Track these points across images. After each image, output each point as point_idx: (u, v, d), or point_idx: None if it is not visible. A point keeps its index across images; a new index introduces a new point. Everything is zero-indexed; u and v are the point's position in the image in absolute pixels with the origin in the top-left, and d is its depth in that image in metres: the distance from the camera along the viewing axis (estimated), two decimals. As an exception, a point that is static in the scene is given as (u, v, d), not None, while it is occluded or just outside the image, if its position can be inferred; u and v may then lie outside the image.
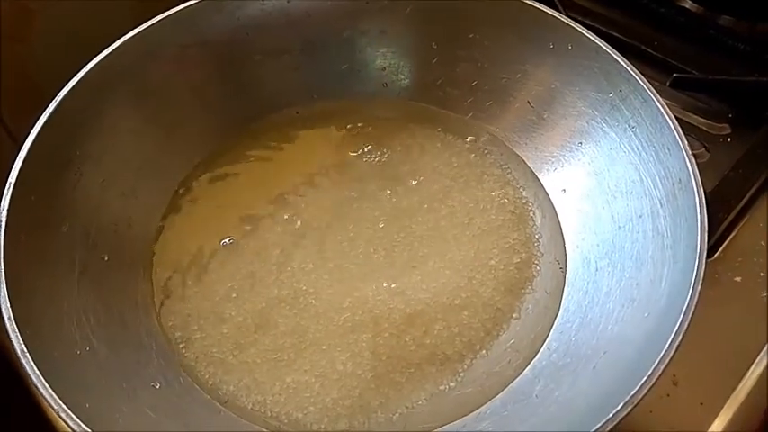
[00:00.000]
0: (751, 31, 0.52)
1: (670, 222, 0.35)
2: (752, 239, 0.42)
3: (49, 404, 0.29)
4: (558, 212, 0.41)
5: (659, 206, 0.35)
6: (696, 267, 0.31)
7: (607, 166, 0.39)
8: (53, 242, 0.36)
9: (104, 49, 0.40)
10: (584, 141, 0.41)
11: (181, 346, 0.37)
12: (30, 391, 0.30)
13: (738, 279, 0.41)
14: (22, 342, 0.30)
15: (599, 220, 0.39)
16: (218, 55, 0.44)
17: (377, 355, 0.37)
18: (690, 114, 0.48)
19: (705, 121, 0.48)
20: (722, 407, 0.37)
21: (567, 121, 0.42)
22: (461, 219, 0.42)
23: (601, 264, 0.38)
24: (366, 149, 0.45)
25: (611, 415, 0.28)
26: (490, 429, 0.34)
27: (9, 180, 0.35)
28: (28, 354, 0.30)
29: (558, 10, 0.41)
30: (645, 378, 0.28)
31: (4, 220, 0.33)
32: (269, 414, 0.35)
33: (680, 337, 0.29)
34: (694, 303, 0.30)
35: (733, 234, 0.43)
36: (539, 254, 0.40)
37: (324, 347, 0.37)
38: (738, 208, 0.43)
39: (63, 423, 0.29)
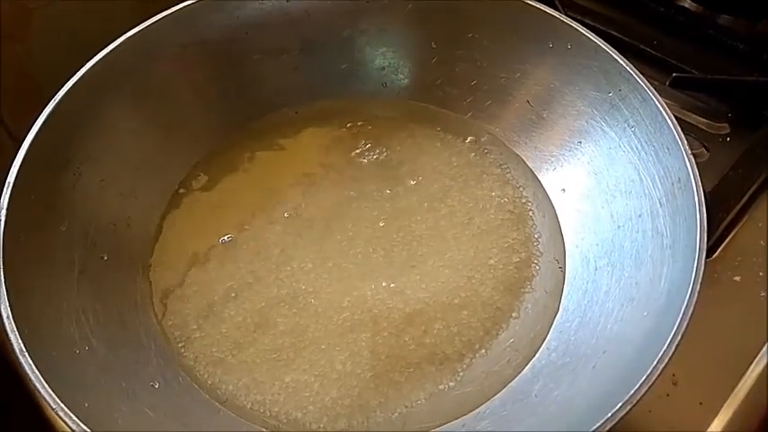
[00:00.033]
0: (750, 31, 0.52)
1: (669, 222, 0.35)
2: (751, 239, 0.42)
3: (48, 404, 0.29)
4: (557, 212, 0.41)
5: (659, 205, 0.35)
6: (695, 267, 0.31)
7: (606, 166, 0.39)
8: (52, 242, 0.36)
9: (104, 48, 0.40)
10: (583, 141, 0.41)
11: (180, 345, 0.37)
12: (29, 390, 0.30)
13: (738, 278, 0.41)
14: (20, 341, 0.30)
15: (598, 220, 0.39)
16: (218, 54, 0.44)
17: (376, 354, 0.37)
18: (689, 114, 0.48)
19: (704, 120, 0.48)
20: (722, 406, 0.37)
21: (566, 121, 0.42)
22: (461, 218, 0.42)
23: (600, 263, 0.38)
24: (365, 149, 0.45)
25: (610, 414, 0.28)
26: (489, 429, 0.34)
27: (8, 179, 0.35)
28: (27, 353, 0.30)
29: (557, 9, 0.41)
30: (644, 378, 0.28)
31: (3, 219, 0.34)
32: (268, 413, 0.35)
33: (679, 337, 0.29)
34: (693, 303, 0.30)
35: (732, 233, 0.43)
36: (538, 253, 0.40)
37: (323, 347, 0.37)
38: (738, 207, 0.43)
39: (62, 423, 0.29)
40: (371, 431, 0.35)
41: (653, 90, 0.37)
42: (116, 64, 0.40)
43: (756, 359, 0.38)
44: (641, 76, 0.37)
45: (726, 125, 0.48)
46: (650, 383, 0.28)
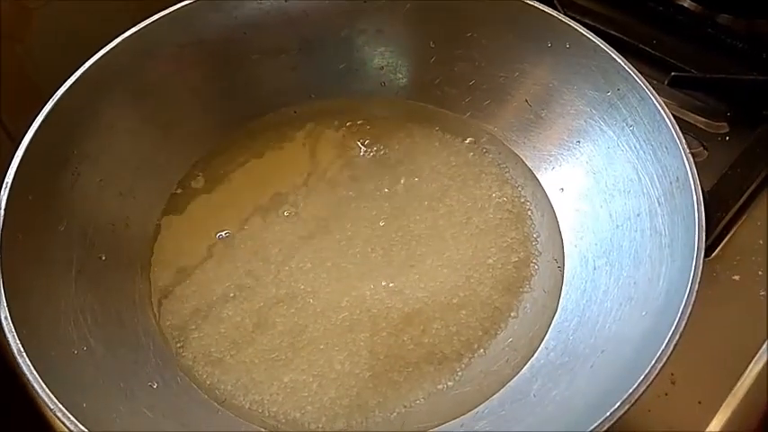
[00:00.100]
0: (749, 30, 0.52)
1: (668, 221, 0.35)
2: (750, 238, 0.42)
3: (46, 404, 0.29)
4: (556, 211, 0.41)
5: (657, 205, 0.35)
6: (694, 266, 0.31)
7: (605, 165, 0.39)
8: (50, 242, 0.36)
9: (102, 48, 0.40)
10: (582, 140, 0.41)
11: (178, 345, 0.37)
12: (29, 390, 0.30)
13: (737, 278, 0.41)
14: (18, 342, 0.30)
15: (597, 219, 0.39)
16: (216, 54, 0.44)
17: (375, 354, 0.37)
18: (688, 113, 0.48)
19: (703, 119, 0.48)
20: (720, 406, 0.37)
21: (564, 120, 0.42)
22: (459, 218, 0.42)
23: (599, 262, 0.38)
24: (364, 148, 0.45)
25: (608, 414, 0.28)
26: (488, 429, 0.34)
27: (6, 179, 0.35)
28: (24, 354, 0.30)
29: (556, 9, 0.41)
30: (642, 377, 0.28)
31: (1, 219, 0.33)
32: (267, 413, 0.35)
33: (677, 336, 0.29)
34: (692, 302, 0.30)
35: (731, 233, 0.43)
36: (537, 253, 0.40)
37: (322, 347, 0.37)
38: (737, 207, 0.43)
39: (60, 423, 0.29)
40: (370, 431, 0.35)
41: (651, 89, 0.37)
42: (114, 64, 0.40)
43: (755, 358, 0.38)
44: (640, 75, 0.37)
45: (725, 124, 0.48)
46: (648, 383, 0.28)
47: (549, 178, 0.42)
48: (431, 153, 0.44)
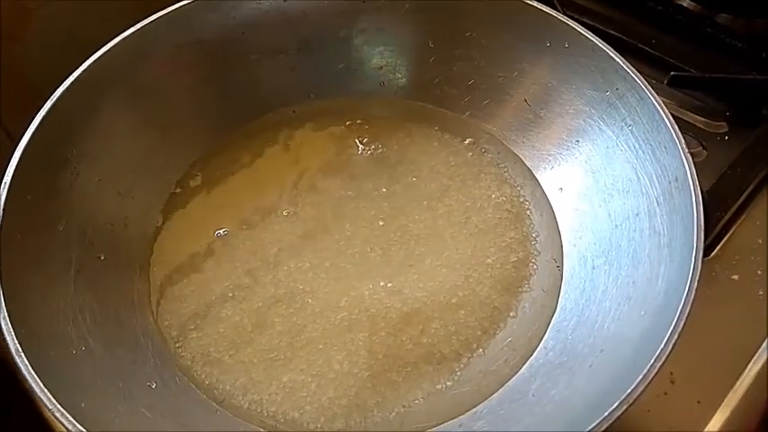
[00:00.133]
0: (748, 29, 0.52)
1: (667, 221, 0.35)
2: (749, 237, 0.42)
3: (44, 404, 0.29)
4: (554, 211, 0.41)
5: (656, 204, 0.35)
6: (693, 266, 0.31)
7: (604, 165, 0.39)
8: (49, 241, 0.36)
9: (100, 48, 0.40)
10: (581, 139, 0.41)
11: (177, 345, 0.37)
12: (28, 390, 0.30)
13: (736, 277, 0.41)
14: (16, 342, 0.30)
15: (596, 219, 0.39)
16: (214, 54, 0.44)
17: (373, 354, 0.36)
18: (687, 112, 0.48)
19: (702, 119, 0.48)
20: (720, 405, 0.37)
21: (563, 120, 0.42)
22: (458, 217, 0.42)
23: (597, 262, 0.38)
24: (363, 148, 0.45)
25: (606, 414, 0.28)
26: (486, 428, 0.34)
27: (5, 179, 0.35)
28: (23, 354, 0.30)
29: (555, 8, 0.41)
30: (641, 377, 0.28)
31: (-1, 219, 0.33)
32: (265, 413, 0.35)
33: (676, 336, 0.29)
34: (690, 302, 0.30)
35: (731, 232, 0.43)
36: (536, 252, 0.40)
37: (320, 347, 0.37)
38: (736, 206, 0.43)
39: (59, 423, 0.29)
40: (369, 431, 0.35)
41: (650, 89, 0.37)
42: (112, 64, 0.40)
43: (754, 358, 0.38)
44: (638, 74, 0.37)
45: (724, 124, 0.48)
46: (647, 382, 0.28)
47: (547, 178, 0.42)
48: (430, 153, 0.44)
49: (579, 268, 0.38)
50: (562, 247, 0.40)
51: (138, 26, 0.41)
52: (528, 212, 0.42)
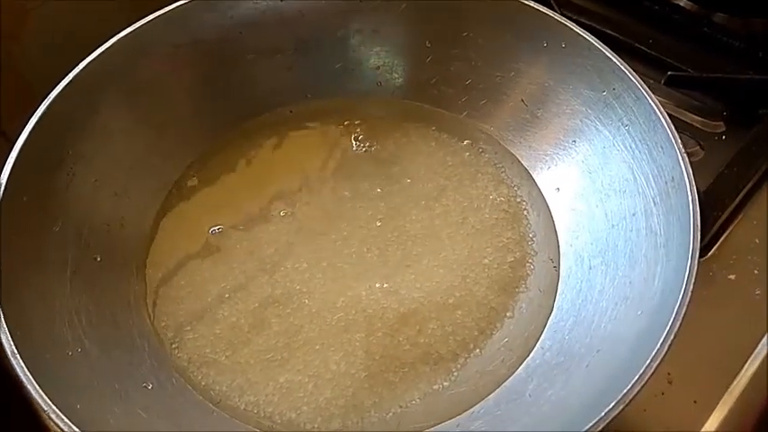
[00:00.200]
0: (745, 29, 0.52)
1: (663, 220, 0.35)
2: (746, 237, 0.42)
3: (40, 406, 0.29)
4: (551, 211, 0.41)
5: (652, 204, 0.35)
6: (689, 265, 0.31)
7: (601, 165, 0.39)
8: (45, 242, 0.36)
9: (97, 48, 0.40)
10: (577, 140, 0.41)
11: (173, 346, 0.37)
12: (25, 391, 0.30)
13: (733, 277, 0.41)
14: (12, 343, 0.30)
15: (592, 219, 0.39)
16: (211, 54, 0.44)
17: (370, 354, 0.36)
18: (684, 112, 0.48)
19: (700, 118, 0.48)
20: (716, 405, 0.37)
21: (560, 120, 0.42)
22: (455, 217, 0.42)
23: (594, 262, 0.38)
24: (360, 148, 0.45)
25: (603, 414, 0.28)
26: (483, 429, 0.34)
27: (1, 180, 0.35)
28: (18, 355, 0.30)
29: (552, 8, 0.41)
30: (637, 377, 0.28)
31: (-5, 220, 0.33)
32: (262, 414, 0.35)
33: (672, 336, 0.29)
34: (687, 302, 0.30)
35: (727, 232, 0.43)
36: (532, 252, 0.40)
37: (317, 347, 0.37)
38: (733, 206, 0.43)
39: (55, 425, 0.29)
40: (366, 431, 0.35)
41: (646, 88, 0.37)
42: (109, 64, 0.40)
43: (751, 357, 0.38)
44: (635, 74, 0.37)
45: (721, 123, 0.48)
46: (643, 383, 0.28)
47: (544, 178, 0.42)
48: (427, 153, 0.44)
49: (576, 268, 0.38)
50: (559, 247, 0.40)
51: (135, 26, 0.41)
52: (525, 212, 0.42)
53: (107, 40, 0.40)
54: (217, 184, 0.43)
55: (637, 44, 0.51)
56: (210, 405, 0.35)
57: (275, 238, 0.41)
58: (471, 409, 0.35)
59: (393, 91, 0.46)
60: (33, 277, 0.35)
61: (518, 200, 0.42)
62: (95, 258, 0.38)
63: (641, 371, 0.28)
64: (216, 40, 0.43)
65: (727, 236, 0.42)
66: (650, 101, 0.36)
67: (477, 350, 0.37)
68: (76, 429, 0.28)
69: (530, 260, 0.40)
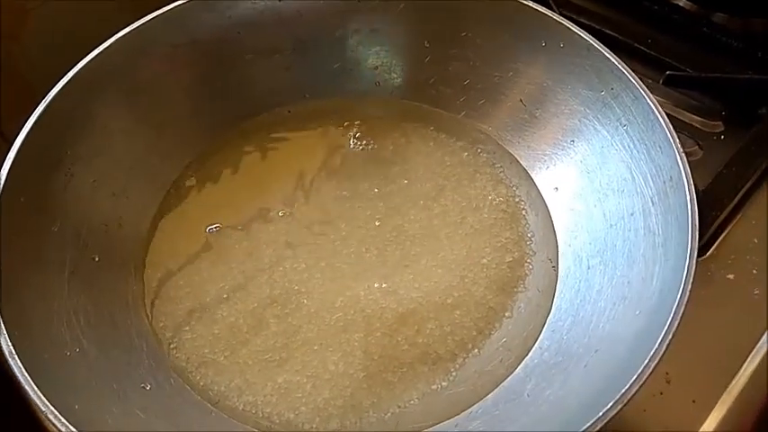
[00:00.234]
0: (744, 29, 0.52)
1: (661, 220, 0.35)
2: (745, 237, 0.42)
3: (38, 407, 0.29)
4: (550, 211, 0.41)
5: (651, 204, 0.35)
6: (687, 265, 0.31)
7: (599, 165, 0.39)
8: (43, 243, 0.36)
9: (95, 48, 0.40)
10: (576, 139, 0.41)
11: (172, 347, 0.37)
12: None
13: (731, 277, 0.41)
14: (10, 344, 0.30)
15: (591, 219, 0.39)
16: (210, 54, 0.43)
17: (369, 354, 0.36)
18: (683, 112, 0.48)
19: (698, 118, 0.48)
20: (715, 405, 0.37)
21: (559, 120, 0.42)
22: (454, 217, 0.42)
23: (593, 262, 0.38)
24: (358, 148, 0.45)
25: (601, 413, 0.28)
26: (482, 429, 0.34)
27: (-1, 180, 0.35)
28: (16, 356, 0.30)
29: (550, 8, 0.41)
30: (635, 376, 0.28)
31: (-7, 220, 0.33)
32: (260, 414, 0.35)
33: (671, 336, 0.29)
34: (685, 301, 0.30)
35: (726, 232, 0.43)
36: (531, 252, 0.40)
37: (316, 347, 0.37)
38: (732, 205, 0.43)
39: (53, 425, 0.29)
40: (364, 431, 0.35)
41: (645, 88, 0.37)
42: (108, 64, 0.40)
43: (750, 357, 0.38)
44: (633, 74, 0.37)
45: (720, 123, 0.48)
46: (641, 383, 0.28)
47: (543, 178, 0.42)
48: (425, 153, 0.44)
49: (574, 268, 0.38)
50: (557, 246, 0.40)
51: (134, 26, 0.41)
52: (523, 212, 0.42)
53: (106, 40, 0.40)
54: (215, 185, 0.43)
55: (636, 44, 0.51)
56: (209, 405, 0.35)
57: (274, 238, 0.41)
58: (470, 409, 0.35)
59: (391, 91, 0.46)
60: (31, 277, 0.34)
61: (516, 200, 0.42)
62: (94, 258, 0.38)
63: (639, 371, 0.28)
64: (214, 40, 0.43)
65: (725, 235, 0.42)
66: (649, 100, 0.36)
67: (476, 350, 0.37)
68: (74, 430, 0.28)
69: (528, 260, 0.40)
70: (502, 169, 0.43)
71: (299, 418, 0.35)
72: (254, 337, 0.37)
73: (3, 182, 0.34)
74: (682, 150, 0.34)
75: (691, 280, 0.30)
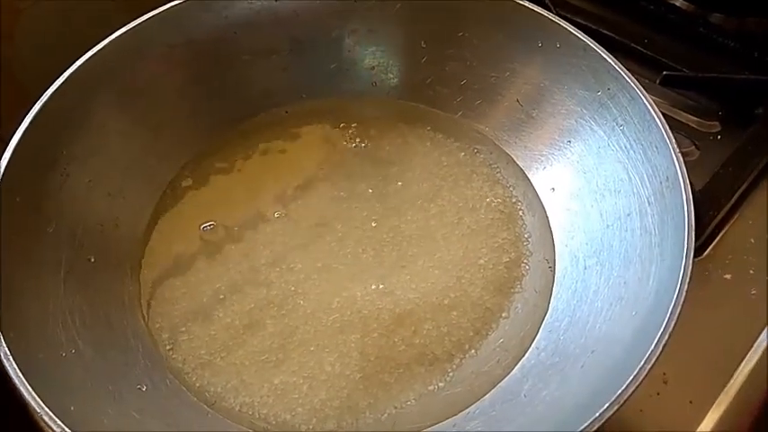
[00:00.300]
0: (741, 29, 0.52)
1: (658, 220, 0.35)
2: (742, 237, 0.42)
3: (33, 408, 0.29)
4: (547, 211, 0.41)
5: (647, 204, 0.35)
6: (683, 265, 0.31)
7: (595, 165, 0.39)
8: (39, 243, 0.36)
9: (90, 48, 0.39)
10: (572, 140, 0.41)
11: (168, 347, 0.37)
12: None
13: (728, 277, 0.41)
14: (5, 345, 0.30)
15: (587, 219, 0.39)
16: (206, 54, 0.43)
17: (365, 355, 0.36)
18: (680, 112, 0.48)
19: (695, 118, 0.48)
20: (712, 405, 0.37)
21: (555, 120, 0.42)
22: (451, 218, 0.41)
23: (589, 262, 0.38)
24: (355, 149, 0.45)
25: (598, 414, 0.28)
26: (479, 429, 0.34)
27: (-6, 180, 0.34)
28: (11, 357, 0.30)
29: (547, 8, 0.41)
30: (632, 377, 0.28)
31: (-12, 221, 0.33)
32: (257, 416, 0.35)
33: (667, 336, 0.29)
34: (681, 301, 0.30)
35: (723, 232, 0.43)
36: (528, 253, 0.40)
37: (312, 348, 0.37)
38: (728, 206, 0.43)
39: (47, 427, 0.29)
40: (361, 432, 0.35)
41: (641, 88, 0.37)
42: (103, 64, 0.40)
43: (747, 357, 0.38)
44: (629, 74, 0.37)
45: (716, 123, 0.48)
46: (638, 383, 0.28)
47: (540, 178, 0.42)
48: (422, 153, 0.44)
49: (571, 269, 0.38)
50: (554, 247, 0.40)
51: (130, 26, 0.41)
52: (520, 213, 0.42)
53: (101, 41, 0.40)
54: (212, 185, 0.43)
55: (632, 44, 0.51)
56: (205, 406, 0.35)
57: (270, 239, 0.41)
58: (467, 410, 0.35)
59: (388, 91, 0.46)
60: (27, 278, 0.34)
61: (513, 200, 0.42)
62: (89, 259, 0.38)
63: (636, 371, 0.28)
64: (211, 40, 0.43)
65: (722, 236, 0.42)
66: (645, 101, 0.36)
67: (473, 351, 0.37)
68: (69, 431, 0.28)
69: (525, 260, 0.40)
70: (499, 170, 0.43)
71: (295, 420, 0.35)
72: (251, 338, 0.37)
73: (-2, 182, 0.34)
74: (678, 150, 0.34)
75: (687, 280, 0.30)
